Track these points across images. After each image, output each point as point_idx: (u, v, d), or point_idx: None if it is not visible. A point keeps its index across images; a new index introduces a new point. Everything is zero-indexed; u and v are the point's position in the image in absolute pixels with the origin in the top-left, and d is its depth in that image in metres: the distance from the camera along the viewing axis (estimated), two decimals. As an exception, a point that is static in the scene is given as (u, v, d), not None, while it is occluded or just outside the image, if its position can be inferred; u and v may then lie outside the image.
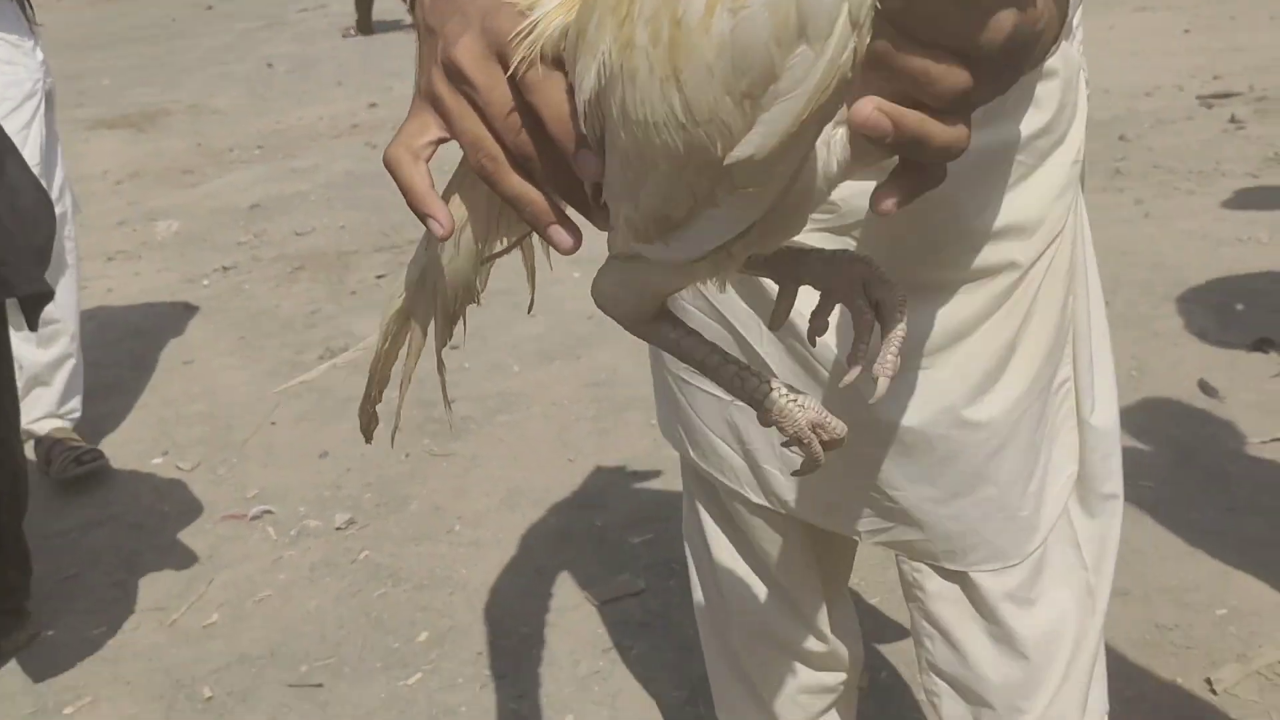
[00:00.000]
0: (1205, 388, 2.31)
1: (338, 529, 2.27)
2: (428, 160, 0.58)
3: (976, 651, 1.02)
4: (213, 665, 1.94)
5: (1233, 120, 4.03)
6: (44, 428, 2.52)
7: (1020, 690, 1.02)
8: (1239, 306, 2.65)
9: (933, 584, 1.02)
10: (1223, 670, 1.66)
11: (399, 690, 1.84)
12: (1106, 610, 1.03)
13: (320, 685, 1.87)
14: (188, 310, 3.50)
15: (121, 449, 2.66)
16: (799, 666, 1.17)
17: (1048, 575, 1.01)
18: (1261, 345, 2.43)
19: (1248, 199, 3.25)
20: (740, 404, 0.67)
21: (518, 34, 0.52)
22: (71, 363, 2.57)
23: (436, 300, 0.63)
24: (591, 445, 2.48)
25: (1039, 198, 0.89)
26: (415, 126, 0.58)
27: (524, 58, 0.52)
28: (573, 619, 1.94)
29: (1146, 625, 1.76)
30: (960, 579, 1.00)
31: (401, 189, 0.58)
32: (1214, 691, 1.63)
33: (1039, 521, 0.98)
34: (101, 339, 3.26)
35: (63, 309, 2.45)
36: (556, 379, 2.82)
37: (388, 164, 0.59)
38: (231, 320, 3.41)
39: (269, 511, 2.36)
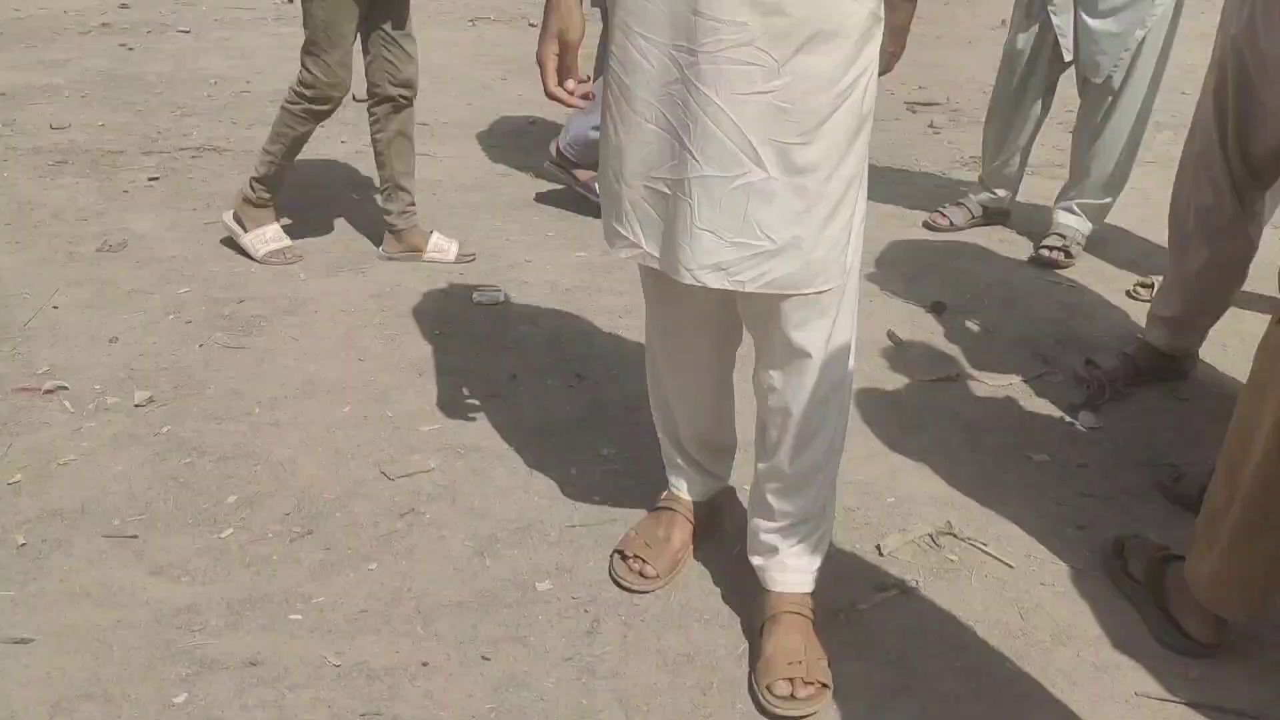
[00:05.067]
0: (892, 337, 2.87)
1: (137, 405, 2.42)
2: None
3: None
4: (23, 518, 2.07)
5: (931, 125, 4.75)
6: None
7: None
8: (922, 276, 3.25)
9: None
10: (888, 539, 2.17)
11: (212, 541, 2.06)
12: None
13: (135, 536, 2.05)
14: (-58, 192, 3.41)
15: (-110, 321, 2.64)
16: (695, 419, 1.94)
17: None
18: (936, 307, 3.03)
19: (938, 193, 3.91)
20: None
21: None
22: None
23: None
24: (379, 348, 2.74)
25: None
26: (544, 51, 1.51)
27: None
28: (372, 489, 2.22)
29: (838, 508, 2.25)
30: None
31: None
32: (881, 554, 2.14)
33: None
34: None
35: None
36: (343, 288, 3.04)
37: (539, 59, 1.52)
38: (-7, 206, 3.36)
39: (63, 387, 2.46)
